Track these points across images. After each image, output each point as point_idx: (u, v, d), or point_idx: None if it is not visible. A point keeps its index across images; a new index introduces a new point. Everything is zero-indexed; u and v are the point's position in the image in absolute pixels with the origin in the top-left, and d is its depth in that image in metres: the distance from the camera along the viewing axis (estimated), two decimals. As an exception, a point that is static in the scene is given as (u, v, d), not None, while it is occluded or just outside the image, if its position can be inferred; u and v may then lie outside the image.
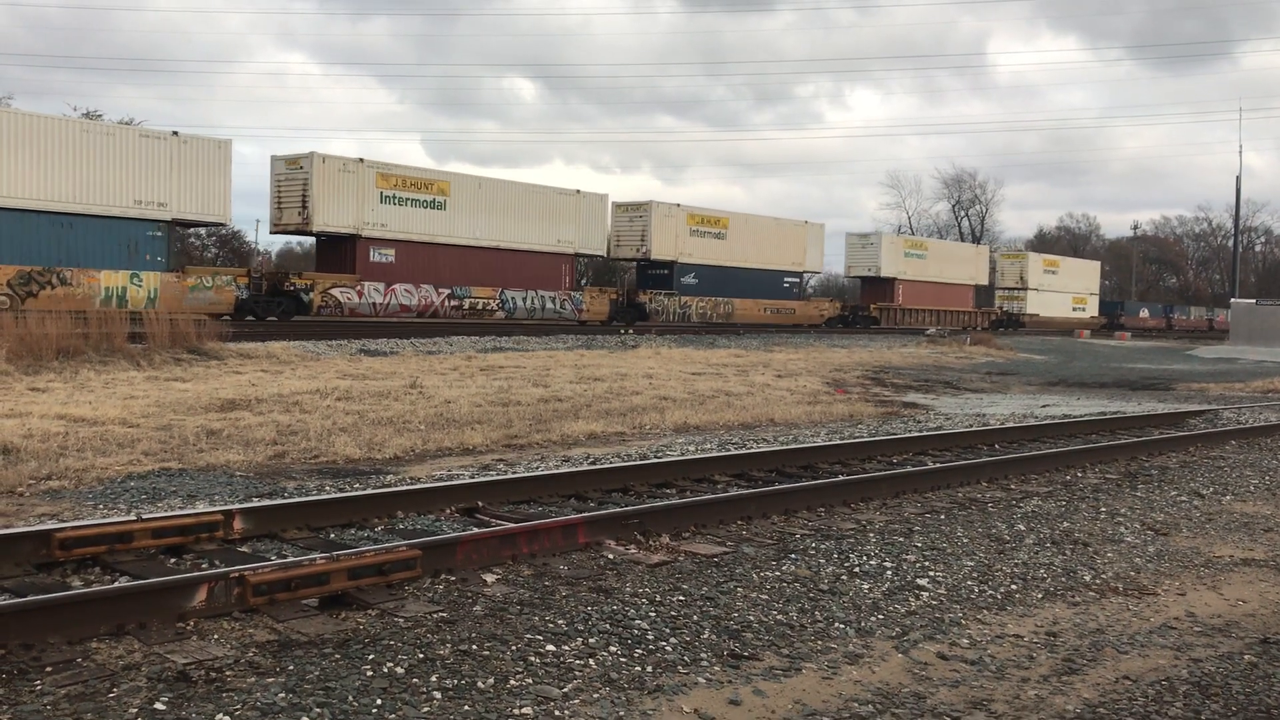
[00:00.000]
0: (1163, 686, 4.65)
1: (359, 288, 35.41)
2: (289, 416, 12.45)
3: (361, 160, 35.64)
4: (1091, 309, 77.38)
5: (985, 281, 68.04)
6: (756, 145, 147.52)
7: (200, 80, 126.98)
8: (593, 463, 9.80)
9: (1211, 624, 5.64)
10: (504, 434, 11.83)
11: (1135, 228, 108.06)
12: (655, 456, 10.25)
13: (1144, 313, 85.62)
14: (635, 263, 48.17)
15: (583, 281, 50.00)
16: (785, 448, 10.45)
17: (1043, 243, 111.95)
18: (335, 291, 34.85)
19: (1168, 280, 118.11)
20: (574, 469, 8.93)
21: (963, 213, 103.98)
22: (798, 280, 54.36)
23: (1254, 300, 55.96)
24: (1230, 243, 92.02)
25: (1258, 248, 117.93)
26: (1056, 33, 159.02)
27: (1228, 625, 5.63)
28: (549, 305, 41.24)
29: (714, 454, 10.08)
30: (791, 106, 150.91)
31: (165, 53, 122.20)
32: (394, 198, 36.39)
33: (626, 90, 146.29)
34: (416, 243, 36.95)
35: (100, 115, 49.18)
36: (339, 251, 36.05)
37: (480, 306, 38.88)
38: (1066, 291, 73.08)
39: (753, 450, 10.43)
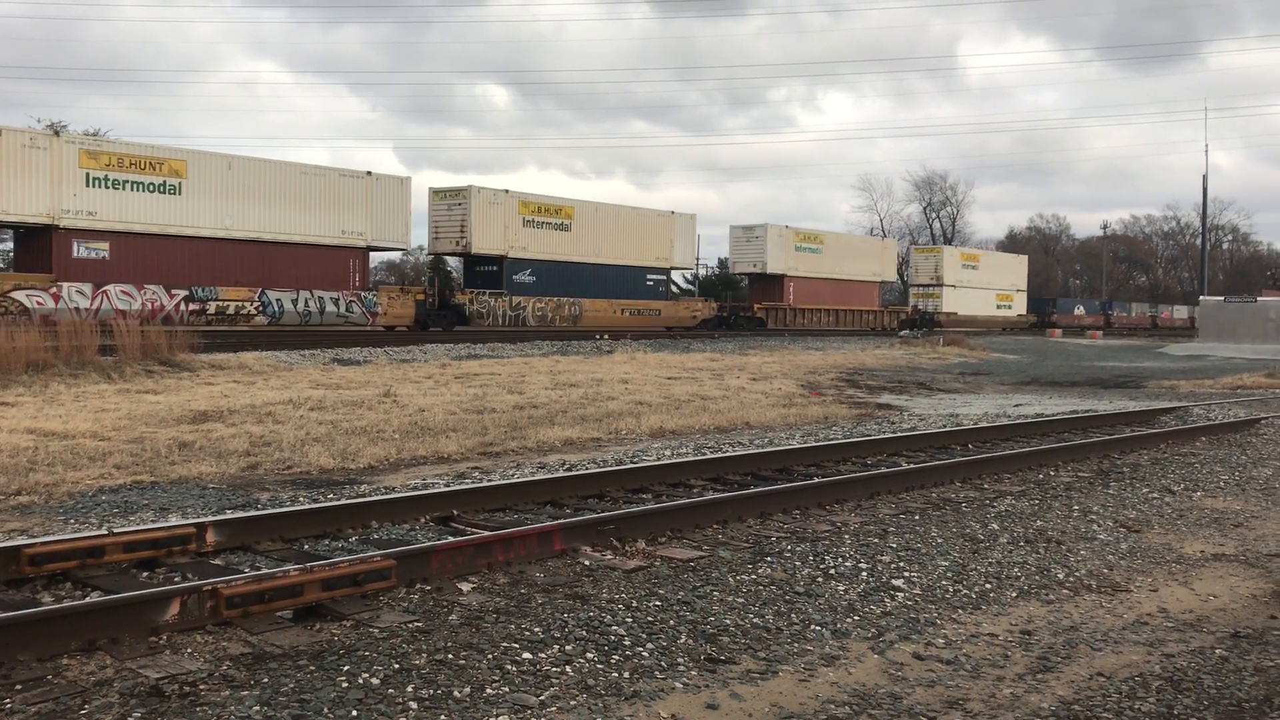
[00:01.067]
0: (1136, 682, 4.69)
1: (54, 290, 28.84)
2: (262, 427, 12.37)
3: (58, 133, 31.45)
4: (1019, 306, 74.21)
5: (893, 277, 64.58)
6: (730, 149, 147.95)
7: (170, 90, 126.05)
8: (568, 469, 9.79)
9: (1183, 619, 5.69)
10: (479, 441, 11.80)
11: (1105, 227, 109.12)
12: (631, 461, 10.25)
13: (1078, 310, 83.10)
14: (460, 257, 42.94)
15: (402, 281, 44.81)
16: (760, 451, 10.47)
17: (1013, 243, 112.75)
18: (19, 295, 28.27)
19: (1138, 279, 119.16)
20: (549, 476, 8.92)
21: (934, 214, 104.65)
22: (663, 278, 48.62)
23: (1222, 297, 56.51)
24: (1198, 241, 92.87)
25: (1225, 245, 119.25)
26: (1027, 34, 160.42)
27: (1199, 620, 5.68)
28: (330, 308, 35.08)
29: (690, 458, 10.09)
30: (764, 110, 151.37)
31: (134, 63, 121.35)
32: (106, 180, 29.93)
33: (600, 96, 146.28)
34: (139, 234, 30.60)
35: (66, 126, 47.56)
36: (32, 248, 30.06)
37: (232, 311, 32.72)
38: (989, 288, 69.65)
39: (728, 454, 10.45)
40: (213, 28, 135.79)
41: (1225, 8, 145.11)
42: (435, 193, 40.63)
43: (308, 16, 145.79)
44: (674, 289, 52.45)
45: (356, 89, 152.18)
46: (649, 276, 47.56)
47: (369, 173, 36.78)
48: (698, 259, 56.14)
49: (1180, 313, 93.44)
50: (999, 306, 71.26)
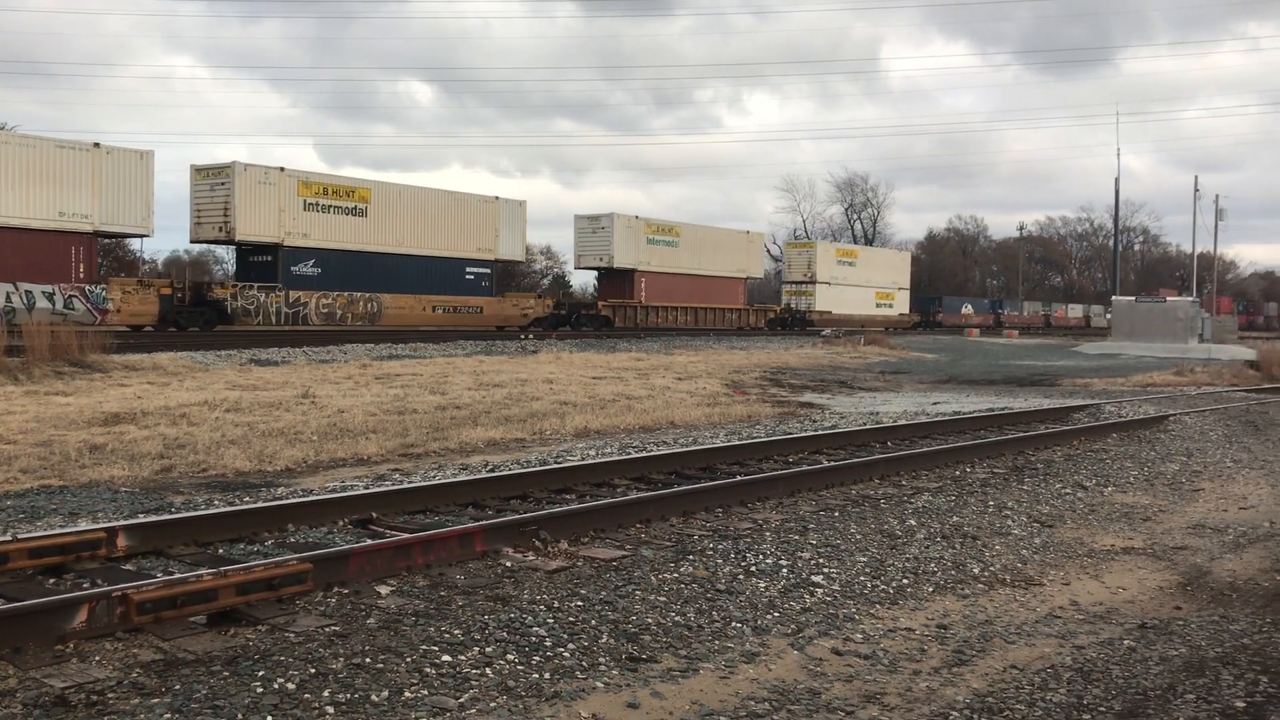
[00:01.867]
0: (1048, 674, 4.79)
1: None
2: (176, 429, 12.11)
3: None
4: (900, 305, 70.71)
5: (760, 273, 60.25)
6: (656, 149, 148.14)
7: (80, 84, 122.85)
8: (491, 470, 9.73)
9: (1094, 611, 5.83)
10: (400, 443, 11.67)
11: (1021, 229, 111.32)
12: (555, 462, 10.22)
13: (966, 308, 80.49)
14: (228, 246, 38.66)
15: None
16: (684, 450, 10.51)
17: (932, 243, 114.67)
18: None
19: (1053, 279, 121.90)
20: (471, 477, 8.85)
21: (855, 216, 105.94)
22: (487, 271, 43.40)
23: (1134, 297, 58.05)
24: (1111, 242, 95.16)
25: (1136, 247, 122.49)
26: (947, 38, 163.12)
27: (1109, 612, 5.82)
28: (42, 303, 29.32)
29: (614, 458, 10.09)
30: (691, 111, 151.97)
31: (42, 55, 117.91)
32: None
33: (525, 94, 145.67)
34: None
35: None
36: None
37: None
38: (868, 285, 65.92)
39: (652, 453, 10.47)
40: (125, 20, 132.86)
41: (1138, 15, 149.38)
42: (197, 171, 35.83)
43: (226, 10, 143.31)
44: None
45: (276, 85, 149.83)
46: (470, 270, 42.27)
47: (96, 144, 31.17)
48: (527, 250, 52.52)
49: (1075, 311, 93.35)
50: (879, 305, 67.61)
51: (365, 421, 13.27)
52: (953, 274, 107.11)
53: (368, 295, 38.64)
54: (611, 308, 49.58)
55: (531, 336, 37.31)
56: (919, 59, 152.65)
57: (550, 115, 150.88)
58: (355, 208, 38.31)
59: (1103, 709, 4.37)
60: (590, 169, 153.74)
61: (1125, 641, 5.29)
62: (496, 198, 44.11)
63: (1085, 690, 4.59)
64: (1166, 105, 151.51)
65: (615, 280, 51.17)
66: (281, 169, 36.44)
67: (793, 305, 61.24)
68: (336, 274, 37.71)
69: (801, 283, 61.90)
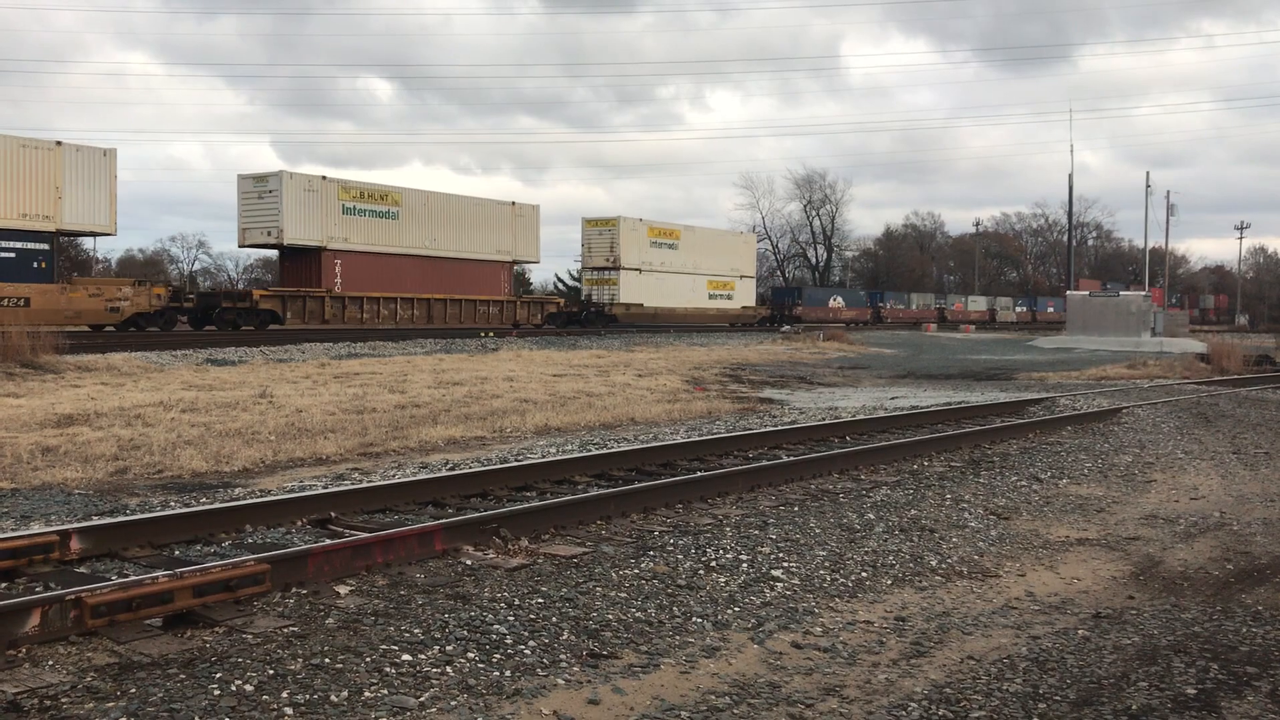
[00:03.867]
0: (1004, 664, 4.85)
1: None
2: (131, 431, 11.96)
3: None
4: (743, 297, 60.13)
5: (535, 258, 47.39)
6: (617, 146, 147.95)
7: (31, 80, 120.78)
8: (451, 468, 9.69)
9: (1049, 602, 5.90)
10: (359, 442, 11.60)
11: (977, 224, 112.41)
12: (515, 460, 10.20)
13: (836, 301, 71.69)
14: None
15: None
16: (644, 446, 10.52)
17: (890, 239, 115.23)
18: None
19: (1009, 274, 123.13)
20: (431, 475, 8.82)
21: (814, 212, 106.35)
22: (45, 246, 32.87)
23: (1088, 292, 58.77)
24: (1065, 237, 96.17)
25: (1090, 242, 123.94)
26: (907, 35, 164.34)
27: (1064, 603, 5.90)
28: None
29: (575, 455, 10.08)
30: (652, 108, 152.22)
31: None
32: None
33: (486, 90, 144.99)
34: None
35: None
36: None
37: None
38: (696, 273, 55.21)
39: (613, 450, 10.47)
40: (77, 16, 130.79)
41: (1094, 12, 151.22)
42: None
43: (181, 6, 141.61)
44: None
45: (232, 81, 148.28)
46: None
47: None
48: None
49: (978, 304, 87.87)
50: (713, 297, 57.18)
51: (324, 421, 13.17)
52: (910, 270, 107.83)
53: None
54: (280, 299, 36.02)
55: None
56: (879, 56, 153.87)
57: (511, 112, 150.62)
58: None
59: (1058, 698, 4.43)
60: (551, 166, 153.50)
61: (1080, 631, 5.36)
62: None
63: (1041, 679, 4.65)
64: (1121, 101, 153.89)
65: (298, 262, 38.10)
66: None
67: (593, 296, 50.54)
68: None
69: (604, 269, 50.49)
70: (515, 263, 46.29)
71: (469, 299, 42.79)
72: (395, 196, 40.18)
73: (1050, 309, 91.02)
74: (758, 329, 56.23)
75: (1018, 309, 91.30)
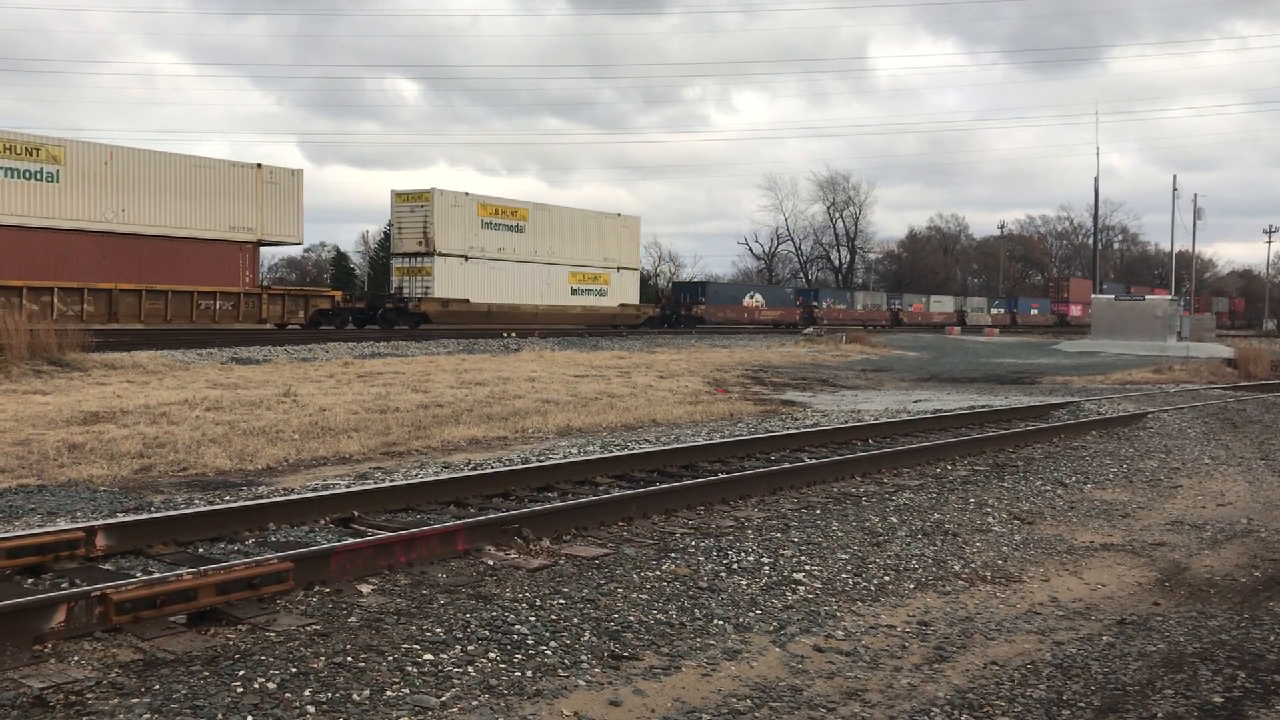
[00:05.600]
0: (1028, 670, 4.81)
1: None
2: (156, 428, 12.04)
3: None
4: (622, 293, 49.84)
5: (299, 238, 37.84)
6: (643, 148, 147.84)
7: (63, 81, 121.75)
8: (473, 468, 9.71)
9: (1073, 608, 5.86)
10: (382, 441, 11.64)
11: (1002, 227, 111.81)
12: (537, 460, 10.21)
13: (753, 299, 63.22)
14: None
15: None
16: (666, 448, 10.51)
17: (913, 242, 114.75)
18: None
19: (1033, 278, 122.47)
20: (453, 475, 8.84)
21: (837, 214, 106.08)
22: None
23: (1113, 295, 58.34)
24: (1091, 240, 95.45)
25: (1115, 245, 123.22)
26: (935, 36, 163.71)
27: (1088, 609, 5.86)
28: None
29: (596, 456, 10.08)
30: (678, 109, 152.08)
31: (26, 52, 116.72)
32: None
33: (512, 91, 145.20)
34: None
35: None
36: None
37: None
38: (553, 263, 45.33)
39: (634, 451, 10.47)
40: (109, 17, 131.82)
41: (1126, 14, 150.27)
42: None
43: (211, 7, 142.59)
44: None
45: (260, 82, 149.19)
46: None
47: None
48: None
49: (942, 305, 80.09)
50: (580, 292, 47.22)
51: (347, 420, 13.22)
52: (933, 272, 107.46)
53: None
54: None
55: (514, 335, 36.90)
56: (907, 58, 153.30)
57: (537, 113, 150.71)
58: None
59: (1082, 704, 4.40)
60: (576, 167, 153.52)
61: (1104, 637, 5.32)
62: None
63: (1065, 686, 4.61)
64: (1151, 104, 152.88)
65: None
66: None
67: (403, 289, 40.55)
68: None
69: (416, 255, 40.47)
70: (261, 243, 35.61)
71: (183, 290, 32.52)
72: (54, 151, 29.82)
73: (1034, 310, 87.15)
74: (759, 331, 52.98)
75: (993, 310, 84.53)
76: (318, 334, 32.78)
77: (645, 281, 61.99)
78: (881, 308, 74.48)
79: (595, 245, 48.32)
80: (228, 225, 33.90)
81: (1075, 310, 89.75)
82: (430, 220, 40.06)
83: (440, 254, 40.33)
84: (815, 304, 67.96)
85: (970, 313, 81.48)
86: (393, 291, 41.03)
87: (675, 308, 57.65)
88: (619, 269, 49.91)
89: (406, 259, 40.80)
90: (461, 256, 41.35)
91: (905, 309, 76.48)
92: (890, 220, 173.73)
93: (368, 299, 42.26)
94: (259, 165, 34.87)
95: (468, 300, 41.56)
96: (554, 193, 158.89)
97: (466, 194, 41.95)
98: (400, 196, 41.23)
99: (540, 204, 46.56)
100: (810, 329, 56.73)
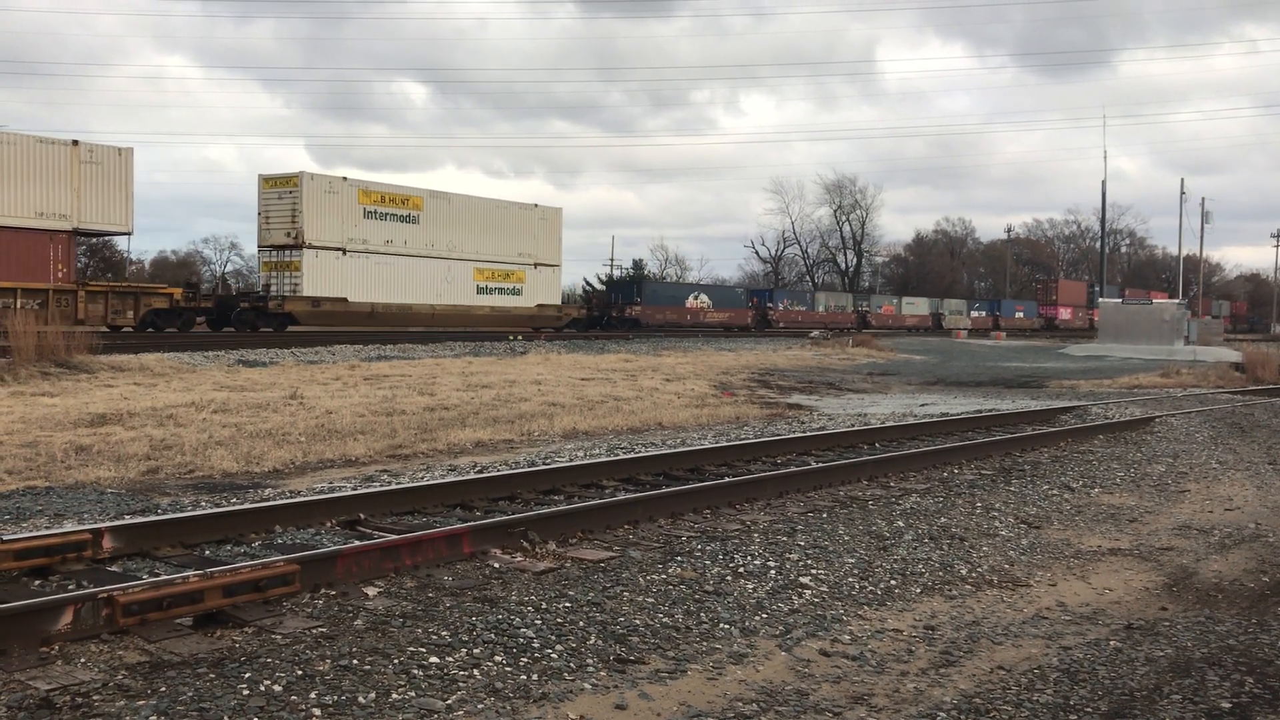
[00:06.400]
0: (1035, 675, 4.80)
1: None
2: (163, 430, 12.06)
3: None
4: (540, 293, 44.77)
5: (127, 226, 31.04)
6: (651, 151, 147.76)
7: (73, 83, 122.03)
8: (479, 471, 9.71)
9: (1080, 613, 5.84)
10: (388, 444, 11.65)
11: (1009, 231, 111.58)
12: (543, 463, 10.21)
13: (699, 299, 58.57)
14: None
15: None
16: (672, 451, 10.51)
17: (920, 246, 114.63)
18: None
19: (1040, 281, 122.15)
20: (460, 478, 8.84)
21: (844, 217, 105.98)
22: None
23: (1120, 299, 58.20)
24: (1098, 244, 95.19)
25: (1123, 249, 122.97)
26: (944, 39, 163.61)
27: (1095, 613, 5.84)
28: None
29: (602, 459, 10.08)
30: (686, 112, 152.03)
31: (36, 54, 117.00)
32: None
33: (520, 94, 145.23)
34: None
35: None
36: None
37: None
38: (453, 257, 40.32)
39: (640, 454, 10.46)
40: (119, 20, 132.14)
41: (1134, 17, 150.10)
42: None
43: (219, 10, 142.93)
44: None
45: (268, 85, 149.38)
46: None
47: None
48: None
49: (916, 307, 76.35)
50: (486, 290, 42.26)
51: (353, 422, 13.24)
52: (940, 276, 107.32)
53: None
54: None
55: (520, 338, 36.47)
56: (915, 61, 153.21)
57: (545, 116, 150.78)
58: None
59: (1089, 710, 4.38)
60: (584, 170, 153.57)
61: (1111, 642, 5.30)
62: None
63: (1072, 691, 4.60)
64: (1160, 107, 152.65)
65: None
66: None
67: (272, 286, 35.70)
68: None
69: (285, 247, 35.62)
70: (78, 232, 30.25)
71: None
72: None
73: (1019, 314, 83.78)
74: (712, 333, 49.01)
75: (973, 313, 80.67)
76: (322, 336, 32.28)
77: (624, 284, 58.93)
78: (846, 309, 70.47)
79: (507, 239, 43.01)
80: (33, 211, 28.63)
81: (1065, 314, 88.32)
82: (299, 208, 35.08)
83: (311, 246, 35.32)
84: (770, 306, 64.10)
85: (948, 315, 77.99)
86: (260, 289, 36.11)
87: (607, 309, 53.33)
88: (536, 265, 44.46)
89: (273, 252, 35.86)
90: (338, 250, 36.37)
91: (874, 311, 72.40)
92: (897, 224, 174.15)
93: (215, 298, 36.83)
94: (75, 142, 29.63)
95: (345, 299, 36.53)
96: (562, 195, 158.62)
97: (344, 179, 37.03)
98: (268, 182, 36.22)
99: (438, 191, 40.76)
100: (816, 333, 56.61)
